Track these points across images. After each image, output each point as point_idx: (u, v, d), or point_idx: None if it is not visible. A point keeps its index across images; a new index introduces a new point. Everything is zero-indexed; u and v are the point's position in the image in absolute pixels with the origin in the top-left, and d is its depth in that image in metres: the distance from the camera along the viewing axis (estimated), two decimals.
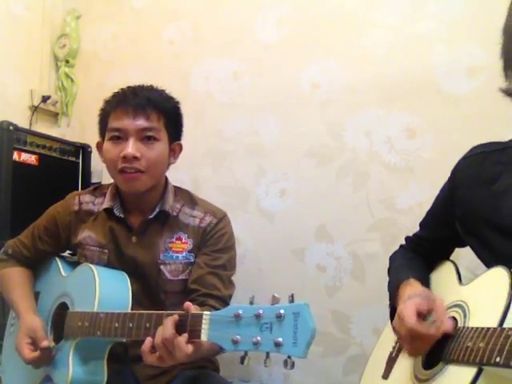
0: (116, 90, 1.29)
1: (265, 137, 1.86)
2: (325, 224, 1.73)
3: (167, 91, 1.31)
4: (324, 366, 1.68)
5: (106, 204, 1.30)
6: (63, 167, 2.06)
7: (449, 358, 0.83)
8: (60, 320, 1.23)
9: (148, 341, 0.94)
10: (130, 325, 1.01)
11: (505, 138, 1.01)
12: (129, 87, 1.28)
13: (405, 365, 0.98)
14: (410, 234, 1.21)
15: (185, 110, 1.34)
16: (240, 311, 0.80)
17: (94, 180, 2.14)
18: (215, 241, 1.28)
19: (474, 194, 0.97)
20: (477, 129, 1.49)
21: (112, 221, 1.29)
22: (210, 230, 1.28)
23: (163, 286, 1.25)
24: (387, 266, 1.20)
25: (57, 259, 1.39)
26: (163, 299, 1.25)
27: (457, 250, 1.12)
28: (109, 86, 1.99)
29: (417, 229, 1.19)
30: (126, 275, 1.23)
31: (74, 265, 1.34)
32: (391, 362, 1.04)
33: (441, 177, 1.09)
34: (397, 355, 1.04)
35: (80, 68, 2.34)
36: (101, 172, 2.11)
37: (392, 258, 1.20)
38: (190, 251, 1.27)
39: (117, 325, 1.04)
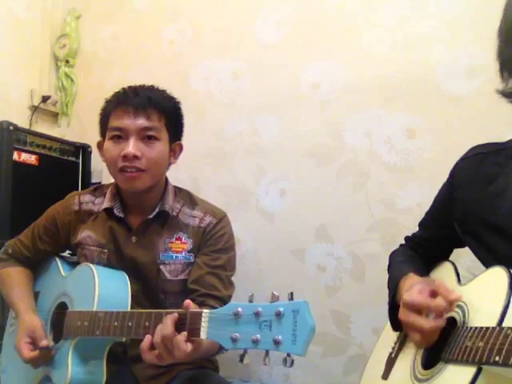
0: (116, 90, 1.29)
1: (265, 137, 1.86)
2: (325, 224, 1.73)
3: (168, 91, 1.31)
4: (324, 366, 1.67)
5: (106, 204, 1.30)
6: (63, 167, 2.06)
7: (448, 358, 0.83)
8: (59, 320, 1.23)
9: (147, 338, 0.94)
10: (130, 324, 1.01)
11: (505, 138, 1.01)
12: (130, 87, 1.28)
13: (404, 365, 0.98)
14: (410, 234, 1.21)
15: (185, 109, 1.34)
16: (239, 309, 0.80)
17: (94, 180, 2.14)
18: (215, 241, 1.28)
19: (472, 195, 0.98)
20: (477, 129, 1.49)
21: (112, 221, 1.29)
22: (209, 230, 1.28)
23: (163, 286, 1.25)
24: (387, 265, 1.20)
25: (56, 259, 1.39)
26: (163, 299, 1.25)
27: (456, 250, 1.12)
28: (109, 86, 2.00)
29: (417, 229, 1.20)
30: (126, 275, 1.23)
31: (73, 264, 1.34)
32: (391, 362, 1.03)
33: (441, 177, 1.09)
34: (396, 355, 1.03)
35: (80, 68, 2.34)
36: (101, 172, 2.11)
37: (392, 256, 1.21)
38: (189, 251, 1.27)
39: (116, 324, 1.04)
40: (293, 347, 0.74)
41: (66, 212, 1.34)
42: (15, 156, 1.83)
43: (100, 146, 1.31)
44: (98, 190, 1.38)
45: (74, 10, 2.35)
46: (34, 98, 2.22)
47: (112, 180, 1.31)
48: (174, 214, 1.29)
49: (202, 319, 0.86)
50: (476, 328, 0.78)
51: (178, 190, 1.37)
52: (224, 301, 1.20)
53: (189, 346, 0.89)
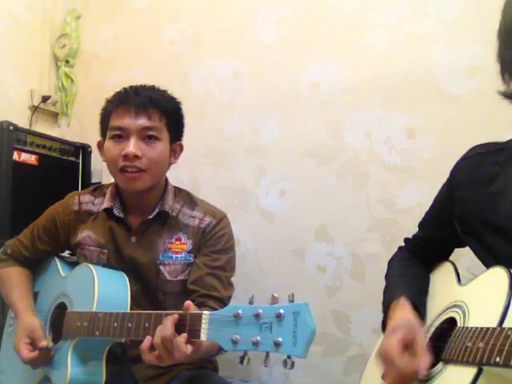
0: (116, 90, 1.29)
1: (265, 137, 1.86)
2: (325, 224, 1.72)
3: (168, 91, 1.31)
4: (324, 366, 1.67)
5: (106, 204, 1.30)
6: (63, 167, 2.06)
7: (448, 358, 0.83)
8: (59, 320, 1.23)
9: (147, 340, 0.94)
10: (129, 325, 1.01)
11: (505, 138, 1.01)
12: (131, 87, 1.28)
13: None
14: (409, 236, 1.21)
15: (185, 109, 1.34)
16: (239, 311, 0.80)
17: (94, 180, 2.14)
18: (214, 242, 1.28)
19: (472, 195, 0.98)
20: (477, 129, 1.49)
21: (112, 221, 1.29)
22: (209, 230, 1.28)
23: (162, 287, 1.25)
24: (386, 268, 1.20)
25: (56, 259, 1.38)
26: (162, 300, 1.25)
27: (456, 249, 1.12)
28: (109, 86, 2.00)
29: (416, 229, 1.19)
30: (125, 275, 1.23)
31: (73, 265, 1.34)
32: None
33: (441, 177, 1.09)
34: None
35: (80, 68, 2.34)
36: (101, 172, 2.11)
37: (389, 265, 1.20)
38: (189, 252, 1.27)
39: (116, 325, 1.04)
40: (293, 349, 0.74)
41: (66, 212, 1.34)
42: (15, 156, 1.83)
43: (100, 145, 1.31)
44: (98, 190, 1.37)
45: (74, 10, 2.35)
46: (34, 98, 2.22)
47: (112, 180, 1.31)
48: (174, 214, 1.29)
49: (202, 321, 0.86)
50: (476, 328, 0.78)
51: (178, 191, 1.37)
52: (223, 302, 1.20)
53: (189, 348, 0.89)
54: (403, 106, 1.64)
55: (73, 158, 2.10)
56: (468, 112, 1.54)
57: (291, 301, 0.77)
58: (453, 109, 1.56)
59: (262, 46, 1.89)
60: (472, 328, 0.79)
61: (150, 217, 1.27)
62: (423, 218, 1.16)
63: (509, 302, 0.76)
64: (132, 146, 1.19)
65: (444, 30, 1.59)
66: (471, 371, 0.75)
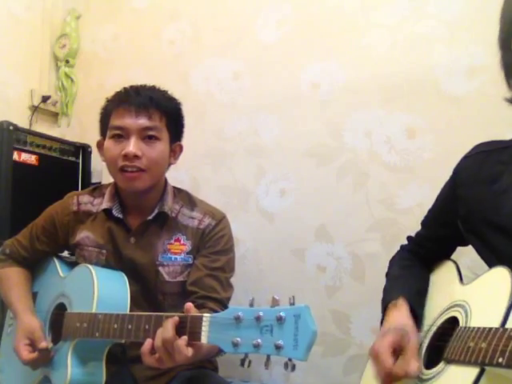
0: (116, 90, 1.29)
1: (265, 137, 1.85)
2: (325, 224, 1.72)
3: (169, 92, 1.31)
4: (324, 366, 1.67)
5: (105, 204, 1.29)
6: (63, 167, 2.06)
7: (450, 358, 0.82)
8: (58, 321, 1.23)
9: (148, 342, 0.94)
10: (129, 326, 1.01)
11: (505, 138, 1.01)
12: (131, 86, 1.28)
13: None
14: (412, 234, 1.21)
15: (185, 109, 1.34)
16: (240, 313, 0.80)
17: (93, 180, 2.14)
18: (214, 243, 1.27)
19: (475, 193, 0.97)
20: (477, 129, 1.48)
21: (111, 221, 1.29)
22: (208, 231, 1.28)
23: (161, 288, 1.25)
24: (387, 267, 1.20)
25: (55, 259, 1.38)
26: (161, 301, 1.25)
27: (458, 248, 1.12)
28: (109, 86, 2.00)
29: (417, 229, 1.19)
30: (125, 276, 1.23)
31: (72, 265, 1.33)
32: None
33: (441, 177, 1.09)
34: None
35: (80, 68, 2.34)
36: (101, 172, 2.11)
37: (390, 264, 1.20)
38: (188, 253, 1.26)
39: (116, 326, 1.04)
40: (294, 352, 0.73)
41: (65, 212, 1.34)
42: (15, 156, 1.83)
43: (100, 145, 1.31)
44: (97, 190, 1.37)
45: (73, 10, 2.34)
46: (34, 98, 2.21)
47: (112, 180, 1.31)
48: (173, 215, 1.29)
49: (203, 323, 0.86)
50: (479, 328, 0.78)
51: (177, 191, 1.36)
52: (223, 303, 1.20)
53: (189, 351, 0.89)
54: (403, 106, 1.63)
55: (73, 158, 2.09)
56: (468, 112, 1.54)
57: (292, 303, 0.76)
58: (453, 109, 1.56)
59: (262, 46, 1.89)
60: (474, 328, 0.79)
61: (150, 218, 1.27)
62: (425, 216, 1.16)
63: (511, 303, 0.76)
64: (132, 145, 1.19)
65: (444, 29, 1.59)
66: (473, 371, 0.74)
